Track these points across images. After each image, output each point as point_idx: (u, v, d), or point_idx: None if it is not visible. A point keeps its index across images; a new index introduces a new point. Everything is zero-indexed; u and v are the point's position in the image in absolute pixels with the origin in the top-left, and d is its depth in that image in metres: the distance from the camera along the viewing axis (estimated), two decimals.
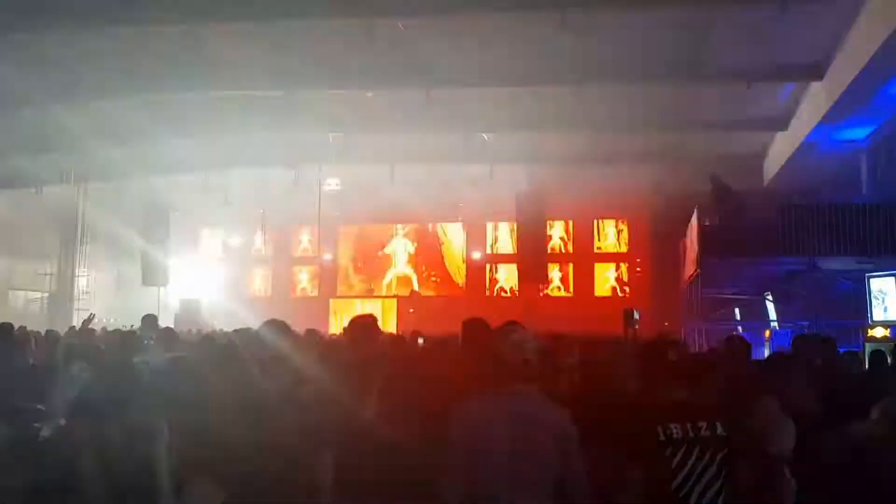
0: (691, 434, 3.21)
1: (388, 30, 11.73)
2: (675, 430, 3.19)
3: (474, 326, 4.58)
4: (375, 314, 4.47)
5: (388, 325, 20.86)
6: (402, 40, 12.13)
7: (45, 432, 2.05)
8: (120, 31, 11.68)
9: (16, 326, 8.61)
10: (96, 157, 16.95)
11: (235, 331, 5.15)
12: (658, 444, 3.18)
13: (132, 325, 10.46)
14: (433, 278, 24.38)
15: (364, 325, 4.20)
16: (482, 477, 3.06)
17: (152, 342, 6.36)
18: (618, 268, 23.00)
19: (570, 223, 23.03)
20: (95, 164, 17.45)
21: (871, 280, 13.13)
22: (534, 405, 3.18)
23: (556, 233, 23.07)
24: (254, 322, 3.84)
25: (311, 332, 5.68)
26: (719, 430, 3.26)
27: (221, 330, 10.68)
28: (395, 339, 6.19)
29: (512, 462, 3.04)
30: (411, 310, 22.73)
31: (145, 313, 8.48)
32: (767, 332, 14.67)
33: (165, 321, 12.05)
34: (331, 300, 24.28)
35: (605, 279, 23.17)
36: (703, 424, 3.24)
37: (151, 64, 12.96)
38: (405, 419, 3.55)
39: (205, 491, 2.62)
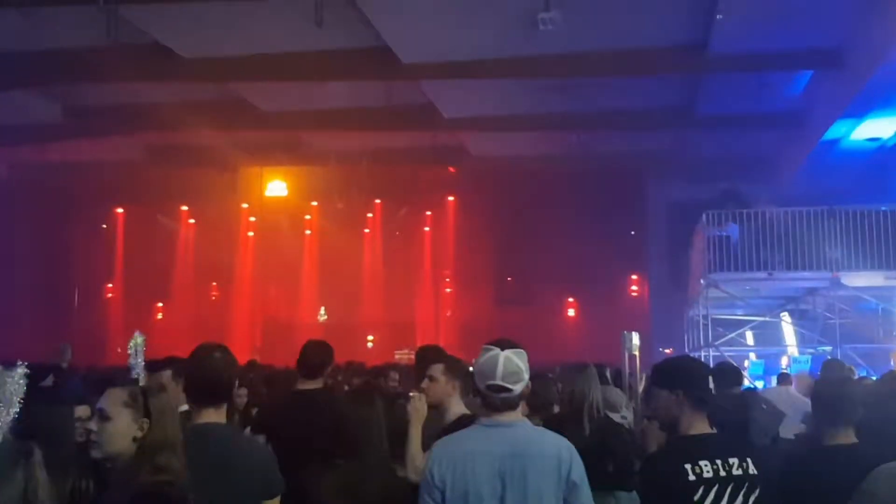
0: (722, 472, 3.17)
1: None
2: (705, 469, 3.14)
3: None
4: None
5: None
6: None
7: None
8: None
9: None
10: None
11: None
12: (688, 484, 3.12)
13: None
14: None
15: None
16: None
17: None
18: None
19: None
20: None
21: None
22: (526, 437, 3.11)
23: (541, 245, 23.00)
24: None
25: None
26: (751, 468, 3.23)
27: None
28: None
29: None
30: (370, 337, 22.50)
31: None
32: (785, 359, 14.74)
33: None
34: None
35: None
36: (735, 461, 3.21)
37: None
38: None
39: None
